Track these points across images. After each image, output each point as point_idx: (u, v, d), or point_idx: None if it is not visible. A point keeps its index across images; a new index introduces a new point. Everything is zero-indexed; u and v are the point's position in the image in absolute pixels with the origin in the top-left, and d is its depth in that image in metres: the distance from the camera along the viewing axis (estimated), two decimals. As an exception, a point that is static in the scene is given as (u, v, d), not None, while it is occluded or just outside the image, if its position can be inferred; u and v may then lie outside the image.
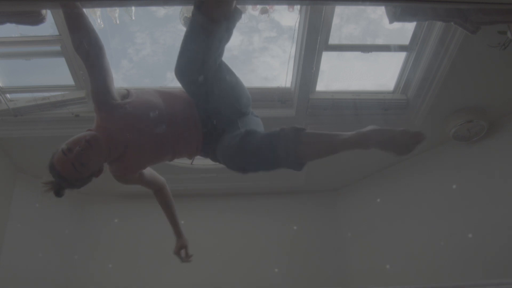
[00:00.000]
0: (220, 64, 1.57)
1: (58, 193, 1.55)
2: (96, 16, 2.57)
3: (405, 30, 2.87)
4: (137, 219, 3.74)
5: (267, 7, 2.73)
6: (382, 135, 1.36)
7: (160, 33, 3.25)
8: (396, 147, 1.36)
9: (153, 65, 3.32)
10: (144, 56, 3.31)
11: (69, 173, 1.48)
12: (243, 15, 2.77)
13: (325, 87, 3.14)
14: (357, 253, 3.76)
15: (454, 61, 2.71)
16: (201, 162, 3.49)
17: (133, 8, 2.62)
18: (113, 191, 3.64)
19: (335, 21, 2.74)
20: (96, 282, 3.56)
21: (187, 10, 2.59)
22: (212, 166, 3.46)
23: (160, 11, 2.94)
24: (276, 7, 2.80)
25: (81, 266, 3.57)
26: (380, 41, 3.03)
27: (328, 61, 2.99)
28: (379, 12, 2.82)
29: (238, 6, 1.50)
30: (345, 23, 3.02)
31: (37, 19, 1.52)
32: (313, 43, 2.75)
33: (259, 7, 2.73)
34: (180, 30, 2.85)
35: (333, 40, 2.84)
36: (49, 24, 2.59)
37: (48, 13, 1.59)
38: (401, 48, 2.93)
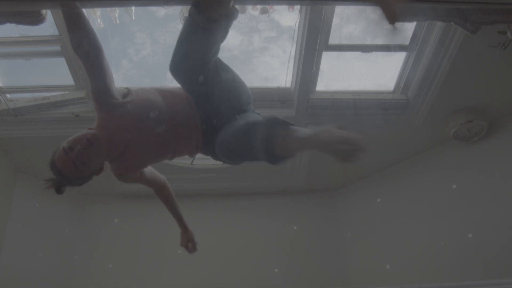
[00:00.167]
0: (217, 63, 1.57)
1: (59, 190, 1.56)
2: (96, 16, 2.57)
3: (405, 30, 2.87)
4: (137, 219, 3.75)
5: (267, 7, 2.73)
6: (326, 138, 1.25)
7: (160, 33, 3.26)
8: (335, 153, 1.24)
9: (153, 65, 3.32)
10: (144, 56, 3.31)
11: (70, 171, 1.49)
12: (243, 15, 2.78)
13: (325, 87, 3.14)
14: (357, 253, 3.76)
15: (454, 61, 2.71)
16: (201, 162, 3.49)
17: (133, 8, 2.62)
18: (113, 191, 3.64)
19: (335, 21, 2.75)
20: (96, 282, 3.56)
21: (187, 10, 2.59)
22: (212, 166, 3.47)
23: (160, 11, 2.94)
24: (276, 7, 2.80)
25: (81, 266, 3.57)
26: (380, 41, 3.03)
27: (328, 61, 2.99)
28: (379, 12, 2.82)
29: (237, 6, 1.50)
30: (345, 23, 3.02)
31: (37, 19, 1.52)
32: (313, 43, 2.75)
33: (259, 7, 2.73)
34: (180, 30, 2.84)
35: (333, 40, 2.84)
36: (49, 24, 2.59)
37: (48, 13, 1.59)
38: (401, 48, 2.93)
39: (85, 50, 1.48)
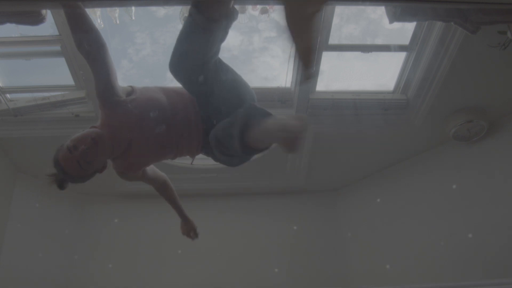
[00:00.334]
0: (217, 63, 1.56)
1: (61, 186, 1.55)
2: (96, 16, 2.57)
3: (405, 30, 2.88)
4: (137, 219, 3.75)
5: (267, 7, 2.73)
6: (270, 126, 1.22)
7: (160, 33, 3.26)
8: (278, 142, 1.22)
9: (153, 65, 3.32)
10: (144, 56, 3.32)
11: (74, 170, 1.48)
12: (243, 15, 2.78)
13: (325, 87, 3.15)
14: (357, 253, 3.76)
15: (454, 61, 2.71)
16: (201, 162, 3.49)
17: (133, 8, 2.62)
18: (113, 191, 3.64)
19: (335, 21, 2.75)
20: (96, 282, 3.56)
21: (187, 10, 2.59)
22: (212, 166, 3.46)
23: (160, 11, 2.94)
24: (276, 7, 2.80)
25: (81, 266, 3.57)
26: (380, 41, 3.04)
27: (328, 61, 2.99)
28: (379, 12, 2.83)
29: (237, 6, 1.50)
30: (345, 23, 3.02)
31: (37, 19, 1.53)
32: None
33: (259, 7, 2.73)
34: (180, 30, 2.84)
35: (333, 40, 2.84)
36: (49, 24, 2.59)
37: (48, 13, 1.59)
38: (401, 48, 2.93)
39: (87, 48, 1.48)
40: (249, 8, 2.74)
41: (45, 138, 2.82)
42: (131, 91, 1.60)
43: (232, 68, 1.63)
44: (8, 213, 3.26)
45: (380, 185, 3.79)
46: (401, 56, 3.00)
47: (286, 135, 1.17)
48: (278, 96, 3.12)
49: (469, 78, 2.86)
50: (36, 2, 1.49)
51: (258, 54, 3.35)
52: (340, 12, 2.81)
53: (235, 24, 1.53)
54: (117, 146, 1.54)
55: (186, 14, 2.64)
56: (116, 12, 2.62)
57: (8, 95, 2.95)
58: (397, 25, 2.95)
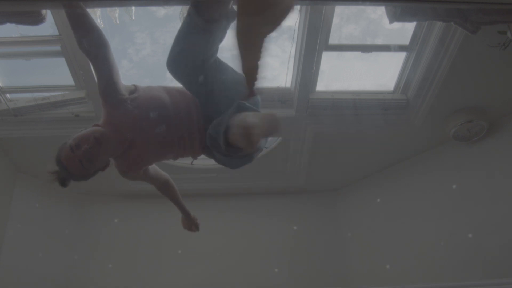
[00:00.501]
0: (216, 62, 1.56)
1: (63, 184, 1.55)
2: (96, 16, 2.57)
3: (405, 30, 2.88)
4: (137, 219, 3.75)
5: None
6: (232, 123, 1.21)
7: (160, 33, 3.25)
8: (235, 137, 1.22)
9: (153, 65, 3.32)
10: (144, 56, 3.31)
11: (76, 169, 1.48)
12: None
13: (325, 87, 3.14)
14: (357, 253, 3.76)
15: (454, 61, 2.71)
16: (201, 162, 3.49)
17: (133, 8, 2.62)
18: (113, 191, 3.64)
19: (335, 21, 2.75)
20: (96, 282, 3.56)
21: (187, 10, 2.59)
22: (212, 166, 3.46)
23: (160, 11, 2.94)
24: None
25: (81, 266, 3.57)
26: (380, 41, 3.04)
27: (328, 61, 2.99)
28: (379, 12, 2.83)
29: (235, 7, 1.49)
30: (345, 23, 3.02)
31: (37, 19, 1.52)
32: (313, 43, 2.75)
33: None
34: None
35: (333, 40, 2.84)
36: (49, 24, 2.59)
37: (48, 13, 1.59)
38: (401, 48, 2.93)
39: (89, 47, 1.47)
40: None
41: (45, 138, 2.82)
42: (134, 89, 1.59)
43: (232, 67, 1.62)
44: (8, 213, 3.26)
45: (380, 185, 3.79)
46: (401, 56, 3.00)
47: (240, 131, 1.16)
48: (278, 96, 3.12)
49: (469, 78, 2.86)
50: (36, 2, 1.49)
51: (258, 54, 3.35)
52: (340, 12, 2.81)
53: (235, 24, 1.52)
54: (119, 144, 1.54)
55: (186, 14, 2.64)
56: (116, 12, 2.62)
57: (8, 95, 2.95)
58: (397, 25, 2.95)
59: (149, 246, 3.67)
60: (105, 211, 3.82)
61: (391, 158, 3.67)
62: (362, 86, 3.24)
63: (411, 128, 3.25)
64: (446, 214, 3.32)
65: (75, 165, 1.47)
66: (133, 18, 2.69)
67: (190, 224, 1.99)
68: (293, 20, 2.78)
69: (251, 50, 1.12)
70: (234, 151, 1.34)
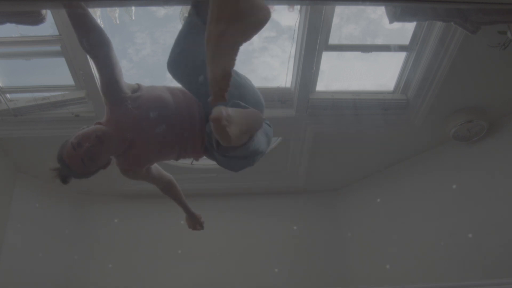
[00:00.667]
0: None
1: (65, 181, 1.55)
2: (96, 16, 2.57)
3: (405, 30, 2.88)
4: (137, 219, 3.75)
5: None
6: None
7: (160, 33, 3.25)
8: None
9: (153, 65, 3.32)
10: (144, 56, 3.31)
11: (78, 167, 1.48)
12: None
13: (325, 87, 3.14)
14: (357, 253, 3.76)
15: (454, 61, 2.71)
16: (201, 162, 3.48)
17: (133, 8, 2.62)
18: (113, 191, 3.64)
19: (335, 21, 2.74)
20: (96, 282, 3.57)
21: (187, 10, 2.59)
22: (212, 166, 3.47)
23: (160, 11, 2.94)
24: (276, 7, 2.80)
25: (81, 266, 3.57)
26: (380, 41, 3.04)
27: (328, 61, 2.99)
28: (379, 12, 2.83)
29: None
30: (345, 23, 3.02)
31: (37, 19, 1.52)
32: (313, 43, 2.75)
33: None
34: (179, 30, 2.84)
35: (333, 40, 2.84)
36: (49, 24, 2.59)
37: (48, 13, 1.59)
38: (401, 48, 2.93)
39: (91, 46, 1.47)
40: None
41: (45, 138, 2.82)
42: (138, 88, 1.59)
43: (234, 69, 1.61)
44: (8, 213, 3.27)
45: (380, 185, 3.79)
46: (401, 56, 3.00)
47: (216, 125, 1.16)
48: (278, 96, 3.12)
49: (469, 78, 2.86)
50: (36, 2, 1.48)
51: (258, 54, 3.35)
52: (340, 12, 2.81)
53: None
54: (120, 142, 1.54)
55: (186, 14, 2.64)
56: (116, 12, 2.62)
57: (8, 95, 2.95)
58: (397, 25, 2.95)
59: (149, 246, 3.67)
60: (105, 211, 3.82)
61: (391, 158, 3.67)
62: (362, 86, 3.24)
63: (411, 128, 3.25)
64: (446, 214, 3.32)
65: (77, 163, 1.47)
66: (133, 18, 2.69)
67: (195, 223, 1.99)
68: (293, 20, 2.79)
69: (220, 57, 1.10)
70: (225, 148, 1.33)
